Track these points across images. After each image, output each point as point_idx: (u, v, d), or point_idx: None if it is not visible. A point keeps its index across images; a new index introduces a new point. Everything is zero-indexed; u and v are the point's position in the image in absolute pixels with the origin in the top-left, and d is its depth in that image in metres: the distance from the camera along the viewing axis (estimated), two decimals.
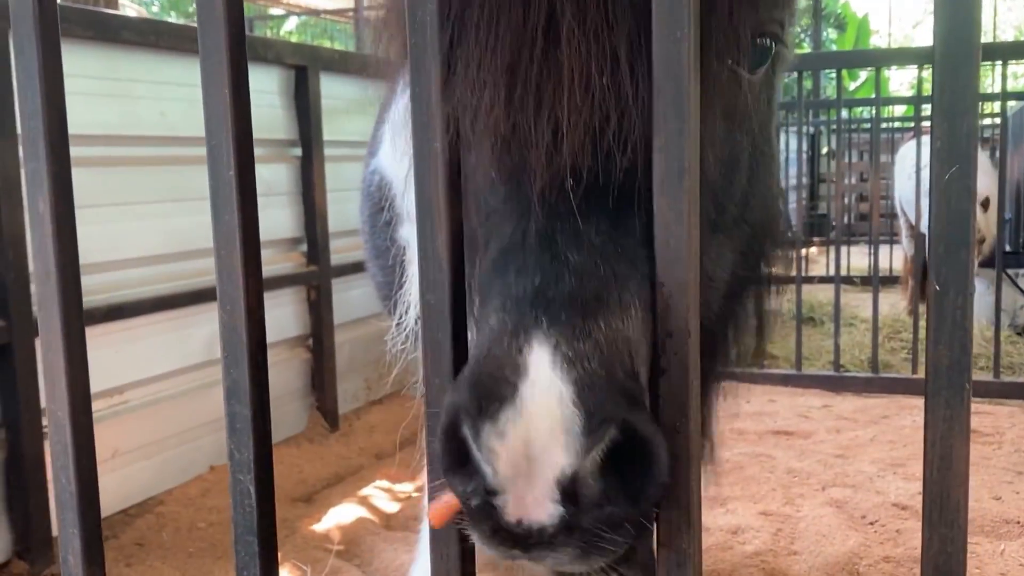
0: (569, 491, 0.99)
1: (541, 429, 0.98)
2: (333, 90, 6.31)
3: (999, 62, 6.65)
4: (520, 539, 1.03)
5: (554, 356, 1.01)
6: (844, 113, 11.68)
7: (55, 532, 4.19)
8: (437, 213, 1.02)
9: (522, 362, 1.01)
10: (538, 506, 1.01)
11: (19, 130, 3.78)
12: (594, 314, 1.04)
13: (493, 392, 1.00)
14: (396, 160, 2.55)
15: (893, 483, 5.17)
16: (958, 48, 0.75)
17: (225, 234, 1.08)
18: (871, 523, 4.59)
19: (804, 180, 13.44)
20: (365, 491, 5.34)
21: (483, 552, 2.51)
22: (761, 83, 1.52)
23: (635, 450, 0.98)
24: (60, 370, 1.14)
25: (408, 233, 2.46)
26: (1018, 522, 4.55)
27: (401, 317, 2.39)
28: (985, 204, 8.55)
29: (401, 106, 2.59)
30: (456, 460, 1.06)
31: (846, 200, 14.25)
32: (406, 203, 2.43)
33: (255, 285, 1.11)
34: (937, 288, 0.79)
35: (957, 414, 0.82)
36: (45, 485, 4.12)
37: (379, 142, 2.85)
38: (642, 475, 0.98)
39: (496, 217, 1.22)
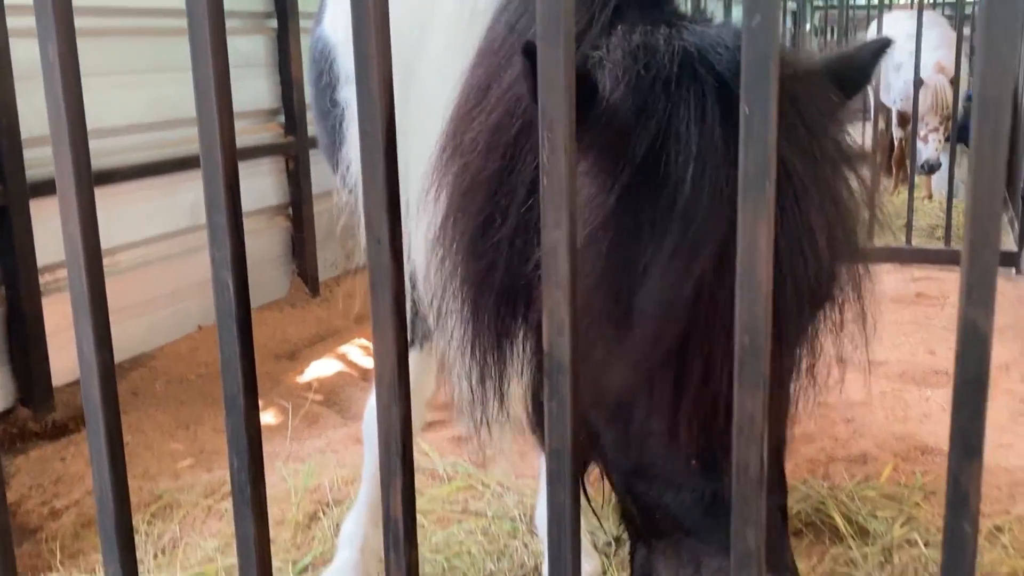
0: None
1: None
2: None
3: None
4: None
5: None
6: None
7: (55, 382, 4.50)
8: (372, 62, 1.26)
9: None
10: None
11: (8, 2, 3.95)
12: None
13: None
14: (337, 27, 2.73)
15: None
16: None
17: (205, 107, 1.33)
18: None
19: None
20: (344, 348, 5.67)
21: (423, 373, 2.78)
22: None
23: None
24: (72, 197, 1.41)
25: (347, 94, 2.61)
26: (946, 373, 4.91)
27: (343, 176, 2.63)
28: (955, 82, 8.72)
29: None
30: None
31: None
32: (345, 66, 2.63)
33: (229, 140, 1.36)
34: (746, 111, 1.06)
35: (760, 213, 1.11)
36: (44, 338, 4.38)
37: (324, 11, 2.99)
38: None
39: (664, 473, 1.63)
